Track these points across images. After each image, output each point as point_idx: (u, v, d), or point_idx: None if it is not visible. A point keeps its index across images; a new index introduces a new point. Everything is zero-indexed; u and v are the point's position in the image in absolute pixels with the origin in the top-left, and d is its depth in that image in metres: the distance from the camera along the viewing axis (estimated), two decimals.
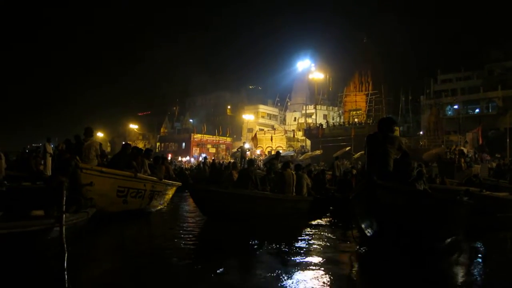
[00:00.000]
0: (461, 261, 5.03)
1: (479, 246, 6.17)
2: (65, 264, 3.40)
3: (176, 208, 10.14)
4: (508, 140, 32.92)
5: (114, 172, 7.02)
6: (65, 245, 3.64)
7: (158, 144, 59.06)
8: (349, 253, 5.25)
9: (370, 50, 48.50)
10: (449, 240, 5.33)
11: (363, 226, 4.81)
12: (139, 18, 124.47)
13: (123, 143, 9.93)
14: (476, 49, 59.13)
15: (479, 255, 5.53)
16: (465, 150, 28.42)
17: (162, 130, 64.76)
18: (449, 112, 48.06)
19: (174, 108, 69.54)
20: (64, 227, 3.83)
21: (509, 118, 37.21)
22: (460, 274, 4.43)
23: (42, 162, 12.45)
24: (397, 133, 37.70)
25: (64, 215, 3.87)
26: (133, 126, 66.07)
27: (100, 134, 58.84)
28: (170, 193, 9.18)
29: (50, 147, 12.79)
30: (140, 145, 55.86)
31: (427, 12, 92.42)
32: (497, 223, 8.39)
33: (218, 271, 3.95)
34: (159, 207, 8.72)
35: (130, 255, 4.95)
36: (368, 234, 4.69)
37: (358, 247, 5.26)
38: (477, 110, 46.97)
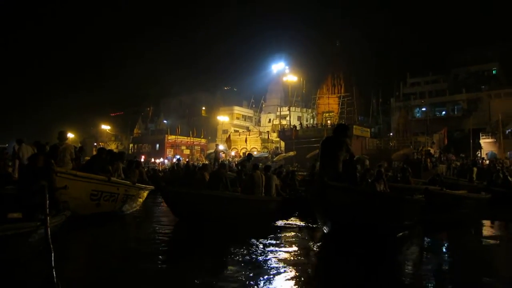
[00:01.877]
0: (412, 255, 5.43)
1: (431, 240, 6.62)
2: (53, 263, 3.56)
3: (149, 211, 10.24)
4: (471, 140, 34.48)
5: (88, 176, 7.12)
6: (51, 246, 3.81)
7: (131, 145, 58.18)
8: (307, 249, 5.52)
9: (342, 54, 49.58)
10: (400, 234, 5.74)
11: (320, 223, 5.15)
12: (115, 20, 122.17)
13: (99, 147, 10.00)
14: (443, 54, 61.49)
15: (431, 249, 5.97)
16: (431, 151, 29.65)
17: (135, 131, 63.76)
18: (417, 114, 49.81)
19: (148, 108, 68.67)
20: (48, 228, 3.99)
21: (473, 119, 38.97)
22: (409, 267, 4.81)
23: (11, 164, 12.20)
24: (368, 134, 38.72)
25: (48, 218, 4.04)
26: (105, 127, 64.81)
27: (70, 135, 57.39)
28: (143, 196, 9.32)
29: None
30: (113, 146, 54.95)
31: (398, 17, 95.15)
32: (455, 219, 8.93)
33: (190, 271, 4.18)
34: (132, 210, 8.84)
35: (105, 256, 5.10)
36: (325, 231, 5.02)
37: (313, 243, 5.58)
38: (443, 112, 48.95)
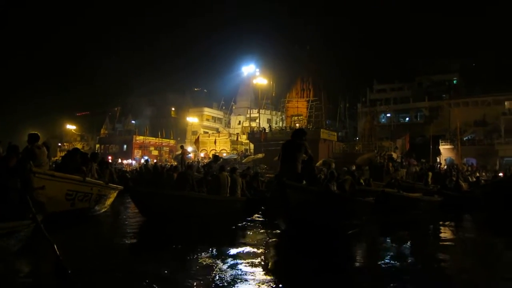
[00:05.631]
0: (360, 249, 5.87)
1: (381, 237, 7.12)
2: (58, 252, 3.72)
3: (118, 210, 10.33)
4: (431, 146, 36.16)
5: (65, 176, 7.18)
6: (49, 237, 3.94)
7: (97, 145, 56.91)
8: (266, 245, 5.80)
9: (312, 59, 50.54)
10: (350, 231, 6.19)
11: (278, 220, 5.50)
12: (83, 18, 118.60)
13: (73, 147, 10.01)
14: (408, 63, 63.88)
15: (379, 244, 6.44)
16: (394, 155, 30.74)
17: (102, 131, 62.41)
18: (382, 120, 51.68)
19: (116, 108, 67.32)
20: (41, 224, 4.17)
21: (434, 126, 40.86)
22: (355, 261, 5.23)
23: None
24: (335, 138, 39.74)
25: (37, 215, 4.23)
26: (71, 127, 63.11)
27: None
28: (113, 196, 9.43)
29: None
30: (79, 146, 53.54)
31: (366, 26, 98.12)
32: (408, 219, 9.51)
33: (156, 268, 4.41)
34: (103, 210, 8.93)
35: (84, 253, 5.27)
36: (282, 227, 5.37)
37: (268, 239, 5.94)
38: (407, 119, 51.06)
